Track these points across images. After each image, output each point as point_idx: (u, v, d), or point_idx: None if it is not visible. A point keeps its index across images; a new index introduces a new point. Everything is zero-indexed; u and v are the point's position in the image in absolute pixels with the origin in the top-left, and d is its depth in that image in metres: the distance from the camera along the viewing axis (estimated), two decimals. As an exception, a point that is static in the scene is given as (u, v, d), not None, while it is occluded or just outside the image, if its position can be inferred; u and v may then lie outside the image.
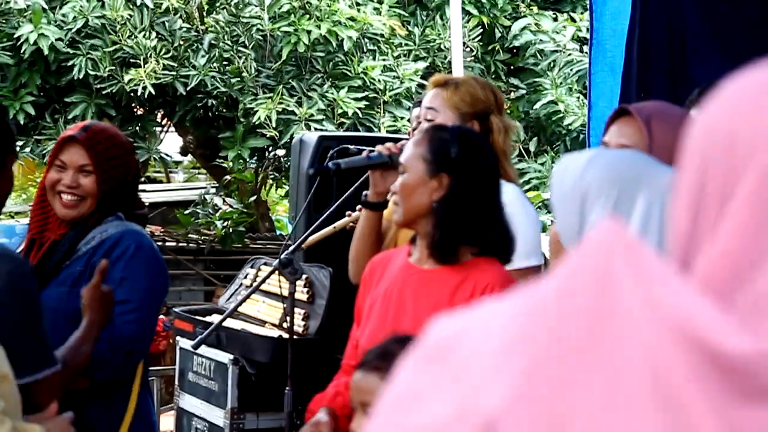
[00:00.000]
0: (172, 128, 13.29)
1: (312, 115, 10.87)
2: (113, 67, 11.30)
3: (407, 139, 4.57)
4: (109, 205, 3.89)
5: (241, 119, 11.28)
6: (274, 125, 10.86)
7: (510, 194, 4.06)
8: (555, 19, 11.81)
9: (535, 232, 4.15)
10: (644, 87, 5.05)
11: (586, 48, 11.40)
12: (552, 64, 11.57)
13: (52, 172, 3.90)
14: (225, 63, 11.28)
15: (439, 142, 3.45)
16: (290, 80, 11.15)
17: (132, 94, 11.42)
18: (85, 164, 3.86)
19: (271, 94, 10.96)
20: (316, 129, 10.72)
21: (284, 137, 10.92)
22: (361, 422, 2.79)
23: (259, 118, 10.80)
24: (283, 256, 4.30)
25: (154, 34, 11.29)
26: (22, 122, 11.58)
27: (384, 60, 11.30)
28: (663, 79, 5.14)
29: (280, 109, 10.84)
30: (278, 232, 12.48)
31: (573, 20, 11.95)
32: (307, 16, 10.97)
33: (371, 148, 4.11)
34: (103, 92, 11.42)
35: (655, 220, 2.37)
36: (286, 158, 12.14)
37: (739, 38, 5.16)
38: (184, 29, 11.42)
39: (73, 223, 3.88)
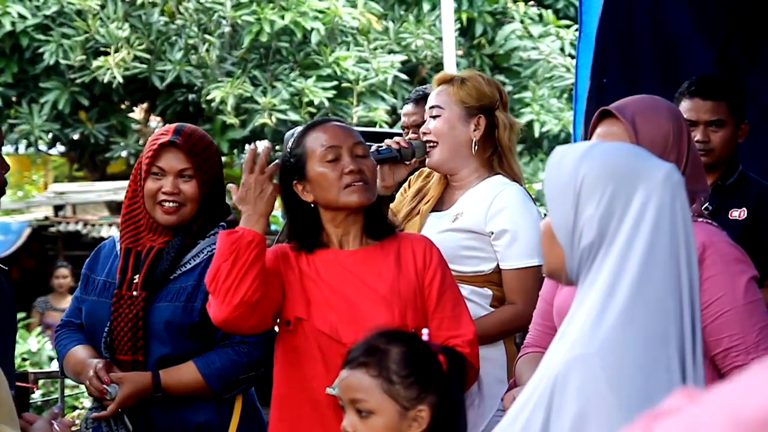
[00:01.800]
0: (160, 122, 13.27)
1: (275, 105, 10.88)
2: (84, 57, 11.29)
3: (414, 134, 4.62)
4: (207, 209, 3.83)
5: (202, 105, 11.29)
6: (232, 110, 10.88)
7: (513, 194, 4.10)
8: (540, 17, 11.86)
9: (537, 232, 4.17)
10: (636, 78, 5.07)
11: (571, 61, 11.52)
12: (534, 73, 11.67)
13: (150, 182, 3.80)
14: (195, 54, 11.31)
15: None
16: (253, 69, 11.14)
17: (108, 86, 11.40)
18: (184, 169, 3.79)
19: (231, 79, 10.99)
20: (279, 119, 10.75)
21: (248, 126, 10.97)
22: (352, 420, 2.76)
23: (214, 100, 10.81)
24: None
25: (127, 25, 11.27)
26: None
27: (360, 51, 11.28)
28: (650, 69, 5.16)
29: (237, 94, 10.83)
30: (272, 227, 12.48)
31: (557, 16, 12.02)
32: (271, 5, 10.94)
33: (379, 144, 4.12)
34: (77, 82, 11.41)
35: (649, 215, 2.37)
36: (273, 152, 12.16)
37: (723, 28, 5.18)
38: (161, 22, 11.41)
39: (175, 229, 3.81)
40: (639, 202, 2.37)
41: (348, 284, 3.55)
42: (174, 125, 3.92)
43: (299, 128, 5.83)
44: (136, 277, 3.78)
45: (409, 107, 5.02)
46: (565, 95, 11.83)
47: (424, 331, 2.86)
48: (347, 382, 2.78)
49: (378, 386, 2.74)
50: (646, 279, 2.34)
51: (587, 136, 3.48)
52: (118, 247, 3.89)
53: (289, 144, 3.69)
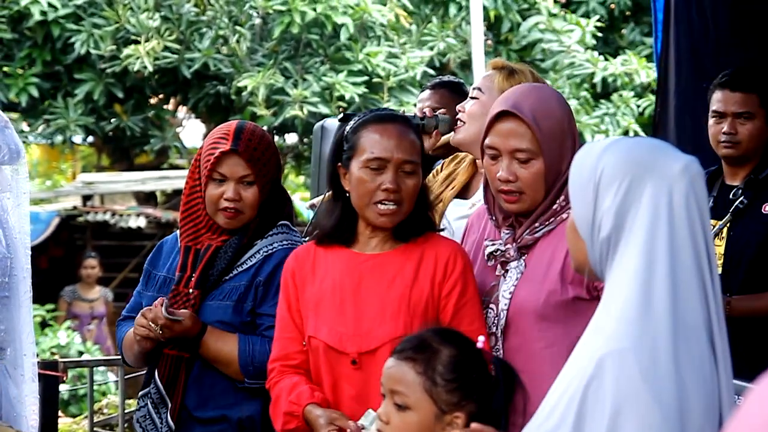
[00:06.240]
0: (193, 115, 13.31)
1: (306, 97, 10.88)
2: (114, 46, 11.33)
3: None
4: (266, 209, 3.81)
5: (232, 96, 11.32)
6: (262, 101, 10.89)
7: None
8: (565, 18, 11.87)
9: None
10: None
11: (591, 52, 11.49)
12: (556, 64, 11.63)
13: (211, 187, 3.77)
14: (225, 45, 11.33)
15: (419, 141, 3.53)
16: (283, 61, 11.15)
17: (141, 78, 11.42)
18: (245, 175, 3.76)
19: (261, 69, 11.01)
20: (310, 112, 10.76)
21: (279, 117, 10.99)
22: (387, 410, 2.77)
23: (245, 89, 10.83)
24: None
25: (158, 15, 11.30)
26: (24, 104, 11.63)
27: (390, 47, 11.29)
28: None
29: (268, 84, 10.85)
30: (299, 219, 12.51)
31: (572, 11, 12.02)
32: (304, -4, 10.98)
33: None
34: (109, 72, 11.46)
35: (665, 208, 2.38)
36: (302, 145, 12.19)
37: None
38: (192, 13, 11.44)
39: (233, 229, 3.81)
40: (653, 193, 2.38)
41: (359, 291, 3.44)
42: (234, 127, 3.83)
43: (328, 120, 5.83)
44: (194, 275, 3.79)
45: (424, 93, 4.99)
46: (585, 85, 11.80)
47: (480, 338, 2.83)
48: (392, 372, 2.79)
49: (420, 384, 2.75)
50: (677, 269, 2.36)
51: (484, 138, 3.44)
52: (179, 244, 3.89)
53: (350, 125, 3.53)
